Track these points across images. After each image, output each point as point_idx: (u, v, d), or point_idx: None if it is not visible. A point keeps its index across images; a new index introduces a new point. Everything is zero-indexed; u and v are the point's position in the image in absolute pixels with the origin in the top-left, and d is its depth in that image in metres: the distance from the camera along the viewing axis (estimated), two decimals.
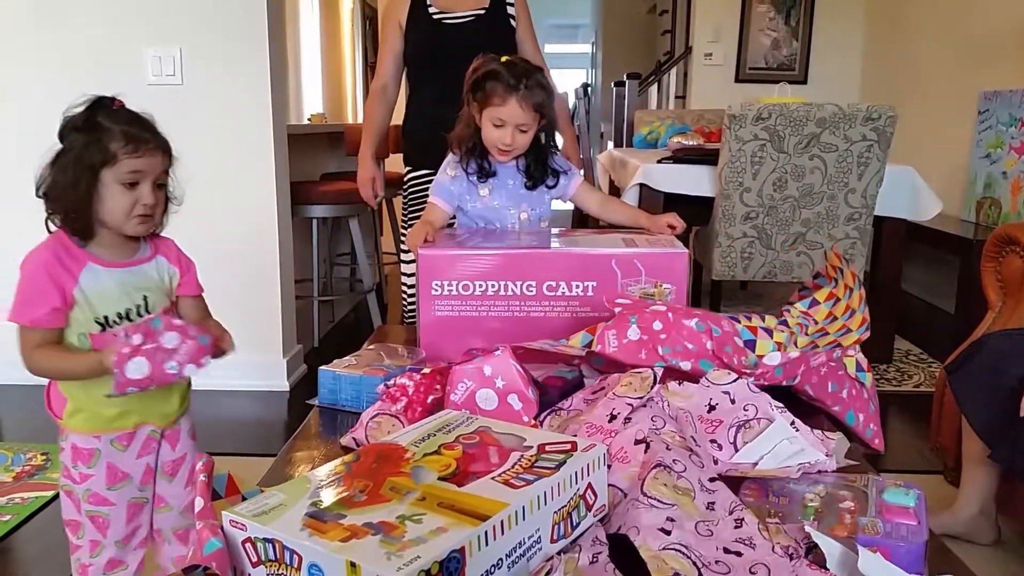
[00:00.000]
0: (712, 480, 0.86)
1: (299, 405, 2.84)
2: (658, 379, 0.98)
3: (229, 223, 2.90)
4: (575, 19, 10.47)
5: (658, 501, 0.79)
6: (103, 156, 1.22)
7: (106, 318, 1.29)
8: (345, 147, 3.81)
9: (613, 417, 0.93)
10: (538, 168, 1.65)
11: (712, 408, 0.96)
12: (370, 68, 5.63)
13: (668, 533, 0.76)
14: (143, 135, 1.26)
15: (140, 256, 1.35)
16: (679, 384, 1.00)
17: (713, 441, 0.93)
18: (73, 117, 1.26)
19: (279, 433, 2.60)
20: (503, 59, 1.62)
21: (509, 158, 1.63)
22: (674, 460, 0.85)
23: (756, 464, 0.90)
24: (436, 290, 1.31)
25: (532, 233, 1.58)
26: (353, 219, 3.57)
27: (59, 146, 1.25)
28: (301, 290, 3.36)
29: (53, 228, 1.28)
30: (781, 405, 0.96)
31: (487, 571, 0.69)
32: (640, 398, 0.95)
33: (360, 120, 5.35)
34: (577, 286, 1.31)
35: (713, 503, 0.82)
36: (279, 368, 3.00)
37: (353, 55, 5.57)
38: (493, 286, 1.30)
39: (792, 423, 0.93)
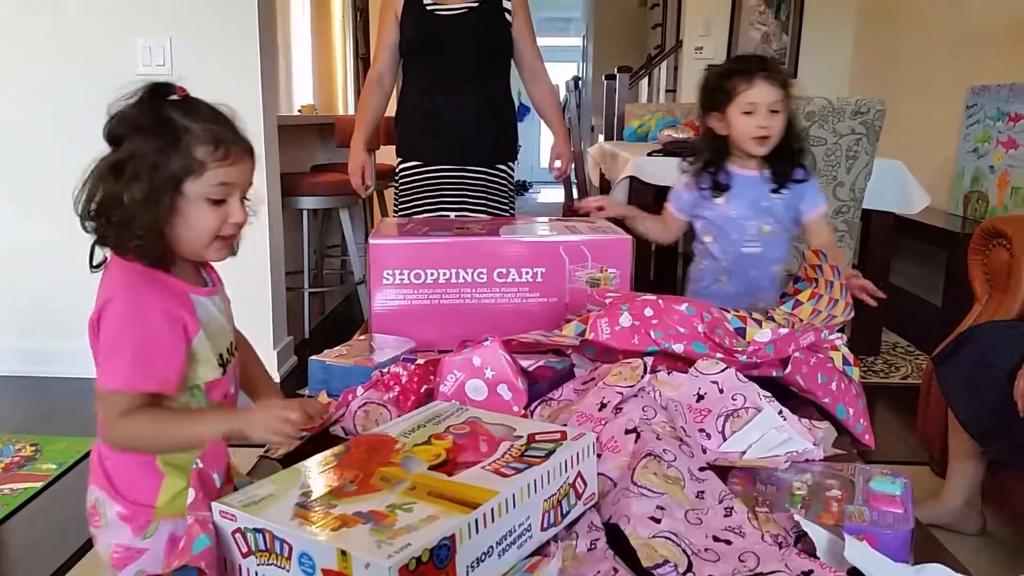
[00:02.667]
0: (702, 469, 0.86)
1: (290, 396, 2.83)
2: (648, 369, 0.98)
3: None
4: (566, 12, 10.44)
5: (648, 490, 0.80)
6: (186, 165, 0.97)
7: (221, 356, 1.06)
8: (336, 138, 3.80)
9: (603, 406, 0.93)
10: (785, 160, 1.61)
11: (701, 397, 0.97)
12: (361, 60, 5.61)
13: (658, 521, 0.77)
14: (232, 136, 1.01)
15: (208, 285, 1.11)
16: (669, 374, 1.00)
17: (702, 430, 0.94)
18: (131, 113, 0.99)
19: None
20: (729, 59, 1.66)
21: (767, 147, 1.59)
22: (664, 450, 0.86)
23: (744, 453, 0.91)
24: (388, 279, 1.34)
25: (480, 223, 1.58)
26: (344, 210, 3.56)
27: (107, 151, 1.00)
28: (292, 282, 3.36)
29: (101, 254, 1.03)
30: (769, 395, 0.96)
31: (478, 558, 0.69)
32: (631, 387, 0.95)
33: (351, 111, 5.34)
34: (527, 272, 1.36)
35: (703, 492, 0.83)
36: (270, 359, 2.99)
37: (344, 47, 5.55)
38: (445, 274, 1.34)
39: (780, 412, 0.94)
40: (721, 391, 0.97)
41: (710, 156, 1.65)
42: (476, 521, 0.69)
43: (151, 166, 0.96)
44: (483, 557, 0.70)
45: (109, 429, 0.99)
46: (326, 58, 5.44)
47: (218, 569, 0.71)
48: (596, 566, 0.72)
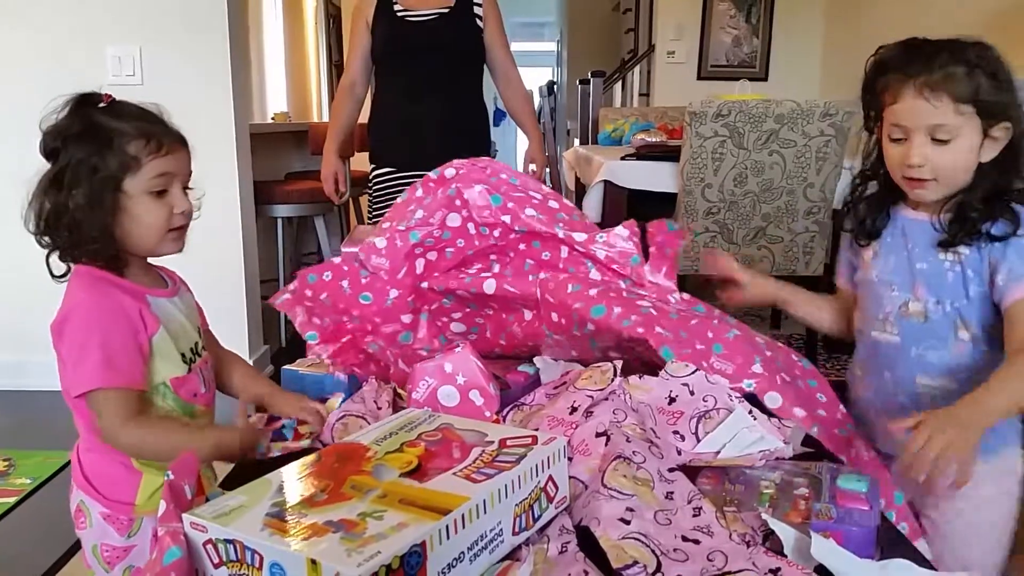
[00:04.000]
0: (671, 470, 0.87)
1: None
2: (618, 372, 0.99)
3: (192, 223, 2.87)
4: (540, 17, 10.48)
5: (618, 492, 0.81)
6: (123, 162, 1.00)
7: (184, 355, 1.10)
8: (310, 146, 3.79)
9: (574, 409, 0.94)
10: (975, 209, 1.04)
11: (672, 400, 0.97)
12: (335, 67, 5.60)
13: (628, 523, 0.77)
14: (162, 129, 1.06)
15: (169, 287, 1.15)
16: (640, 378, 1.01)
17: (676, 432, 0.95)
18: (63, 124, 1.03)
19: None
20: (905, 41, 1.12)
21: (926, 191, 1.07)
22: (634, 452, 0.87)
23: (719, 453, 0.92)
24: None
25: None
26: (319, 218, 3.55)
27: (47, 166, 1.03)
28: (267, 290, 3.34)
29: (58, 266, 1.06)
30: (739, 395, 0.98)
31: (449, 564, 0.70)
32: (601, 390, 0.96)
33: (325, 118, 5.32)
34: None
35: (672, 493, 0.84)
36: None
37: (317, 54, 5.54)
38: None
39: (750, 411, 0.95)
40: (692, 393, 0.98)
41: (879, 185, 1.16)
42: (447, 527, 0.70)
43: (89, 170, 1.00)
44: (454, 563, 0.70)
45: (111, 435, 1.02)
46: (299, 65, 5.42)
47: None
48: (567, 569, 0.73)
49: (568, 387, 1.00)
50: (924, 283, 1.09)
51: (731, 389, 0.98)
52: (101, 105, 1.05)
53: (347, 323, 1.17)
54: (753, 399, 0.98)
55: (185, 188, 1.10)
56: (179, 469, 0.79)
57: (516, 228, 1.18)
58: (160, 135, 1.04)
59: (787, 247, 2.67)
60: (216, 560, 0.71)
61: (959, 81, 1.02)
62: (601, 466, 0.85)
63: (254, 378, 1.25)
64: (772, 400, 0.98)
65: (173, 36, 2.79)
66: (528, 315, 1.16)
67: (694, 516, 0.81)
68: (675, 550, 0.76)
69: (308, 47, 5.50)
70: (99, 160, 1.00)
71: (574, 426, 0.92)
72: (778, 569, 0.72)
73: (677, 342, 1.01)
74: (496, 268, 1.20)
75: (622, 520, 0.77)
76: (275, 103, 5.01)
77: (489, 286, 1.14)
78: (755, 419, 0.95)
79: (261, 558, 0.68)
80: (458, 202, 1.18)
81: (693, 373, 0.99)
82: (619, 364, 1.00)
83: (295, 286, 1.16)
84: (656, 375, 1.00)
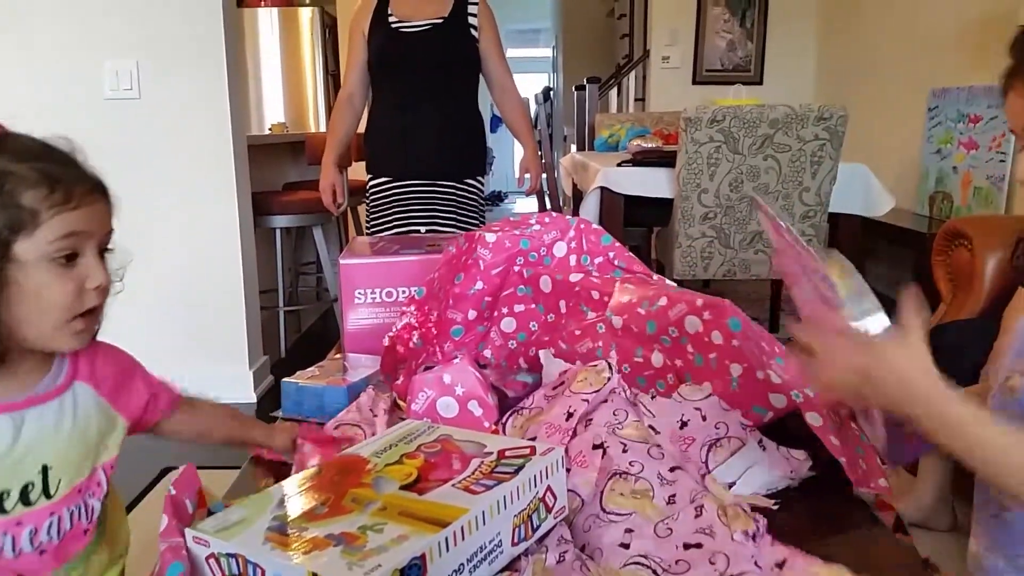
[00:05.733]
0: (672, 470, 0.88)
1: (266, 417, 2.82)
2: (614, 369, 1.00)
3: (191, 235, 2.89)
4: (536, 23, 10.52)
5: (616, 514, 0.81)
6: (13, 218, 0.73)
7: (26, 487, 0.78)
8: (307, 156, 3.81)
9: (570, 415, 0.95)
10: None
11: (684, 424, 0.95)
12: (331, 77, 5.62)
13: (627, 547, 0.78)
14: (73, 173, 0.79)
15: (47, 387, 0.82)
16: (653, 399, 1.00)
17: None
18: None
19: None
20: None
21: None
22: (631, 463, 0.87)
23: (732, 486, 0.89)
24: (359, 298, 1.35)
25: (451, 239, 1.56)
26: (317, 228, 3.56)
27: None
28: (266, 300, 3.35)
29: None
30: (749, 422, 0.96)
31: (451, 574, 0.71)
32: (597, 391, 0.96)
33: (322, 128, 5.34)
34: None
35: (674, 495, 0.84)
36: (246, 380, 2.98)
37: (313, 64, 5.56)
38: (416, 291, 1.33)
39: (760, 441, 0.93)
40: (704, 418, 0.95)
41: None
42: (446, 539, 0.70)
43: None
44: (454, 575, 0.71)
45: None
46: (296, 76, 5.45)
47: None
48: None
49: (565, 390, 1.00)
50: None
51: (743, 418, 0.95)
52: None
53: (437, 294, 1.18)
54: (784, 419, 0.94)
55: (103, 252, 0.81)
56: (181, 483, 0.80)
57: (617, 263, 1.19)
58: (69, 181, 0.77)
59: None
60: (219, 574, 0.72)
61: None
62: (599, 483, 0.86)
63: (243, 423, 1.07)
64: (813, 419, 0.88)
65: (170, 51, 2.80)
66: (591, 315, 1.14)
67: (696, 517, 0.81)
68: (677, 562, 0.76)
69: (304, 58, 5.53)
70: None
71: (571, 434, 0.93)
72: (783, 561, 0.73)
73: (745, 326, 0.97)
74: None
75: (622, 545, 0.78)
76: (272, 114, 5.03)
77: (545, 283, 1.16)
78: (764, 448, 0.92)
79: (263, 572, 0.69)
80: (571, 233, 1.20)
81: (707, 397, 0.97)
82: (614, 361, 1.00)
83: None
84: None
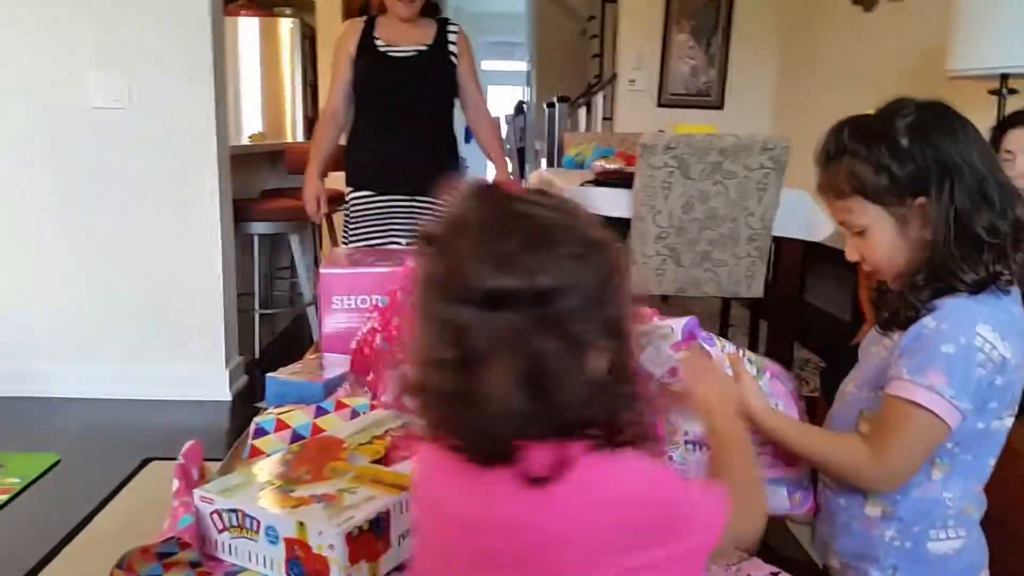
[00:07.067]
0: None
1: (241, 413, 2.97)
2: None
3: (175, 240, 3.02)
4: (511, 37, 10.74)
5: None
6: None
7: None
8: (286, 165, 3.95)
9: None
10: (906, 301, 1.00)
11: None
12: (310, 87, 5.76)
13: None
14: None
15: None
16: None
17: None
18: None
19: (221, 439, 2.73)
20: None
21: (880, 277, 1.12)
22: None
23: None
24: (336, 304, 1.51)
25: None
26: (294, 235, 3.71)
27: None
28: (243, 303, 3.49)
29: None
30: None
31: (408, 530, 0.88)
32: None
33: (300, 138, 5.48)
34: None
35: None
36: (221, 378, 3.12)
37: (292, 75, 5.70)
38: (382, 300, 1.45)
39: None
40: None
41: None
42: (406, 500, 0.88)
43: None
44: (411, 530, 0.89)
45: None
46: (275, 86, 5.58)
47: (198, 543, 0.88)
48: None
49: None
50: (865, 383, 1.13)
51: None
52: None
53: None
54: None
55: None
56: (188, 455, 0.97)
57: None
58: None
59: (731, 271, 2.89)
60: (221, 526, 0.89)
61: (857, 165, 1.06)
62: None
63: None
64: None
65: (158, 62, 2.93)
66: None
67: None
68: None
69: (283, 69, 5.66)
70: None
71: None
72: (778, 573, 0.90)
73: None
74: None
75: None
76: (251, 123, 5.16)
77: None
78: None
79: (259, 523, 0.86)
80: None
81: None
82: None
83: None
84: None
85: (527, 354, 0.62)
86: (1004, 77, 2.49)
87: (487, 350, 0.62)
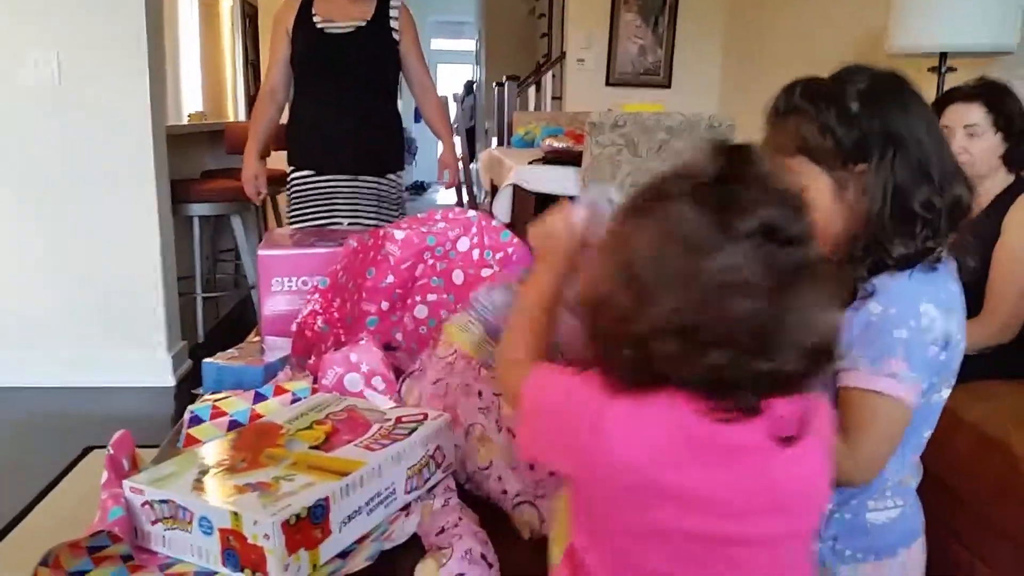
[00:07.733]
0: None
1: (185, 399, 2.90)
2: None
3: (109, 222, 2.93)
4: (459, 16, 10.61)
5: (482, 470, 0.99)
6: None
7: None
8: (226, 145, 3.85)
9: (437, 381, 1.11)
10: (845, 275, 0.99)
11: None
12: (251, 66, 5.62)
13: (506, 492, 0.95)
14: None
15: None
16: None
17: None
18: None
19: (165, 426, 2.66)
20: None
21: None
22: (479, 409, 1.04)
23: None
24: (276, 287, 1.47)
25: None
26: (236, 216, 3.62)
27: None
28: (184, 287, 3.40)
29: None
30: None
31: (349, 516, 0.86)
32: (453, 353, 1.13)
33: (242, 118, 5.35)
34: None
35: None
36: (164, 364, 3.04)
37: (233, 54, 5.55)
38: (322, 281, 1.45)
39: None
40: None
41: None
42: (347, 485, 0.85)
43: None
44: (354, 515, 0.86)
45: None
46: (215, 65, 5.43)
47: (130, 537, 0.85)
48: (446, 517, 0.89)
49: (430, 354, 1.17)
50: None
51: None
52: None
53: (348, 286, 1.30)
54: None
55: None
56: (118, 445, 0.93)
57: (515, 257, 1.35)
58: None
59: None
60: (153, 518, 0.85)
61: (799, 123, 1.04)
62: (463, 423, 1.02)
63: None
64: None
65: (90, 39, 2.83)
66: None
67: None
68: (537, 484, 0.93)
69: (224, 47, 5.51)
70: None
71: (440, 397, 1.09)
72: None
73: None
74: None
75: (504, 492, 0.95)
76: (191, 102, 5.02)
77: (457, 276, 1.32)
78: None
79: (191, 514, 0.82)
80: (474, 229, 1.35)
81: None
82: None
83: None
84: None
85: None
86: (943, 55, 2.53)
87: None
